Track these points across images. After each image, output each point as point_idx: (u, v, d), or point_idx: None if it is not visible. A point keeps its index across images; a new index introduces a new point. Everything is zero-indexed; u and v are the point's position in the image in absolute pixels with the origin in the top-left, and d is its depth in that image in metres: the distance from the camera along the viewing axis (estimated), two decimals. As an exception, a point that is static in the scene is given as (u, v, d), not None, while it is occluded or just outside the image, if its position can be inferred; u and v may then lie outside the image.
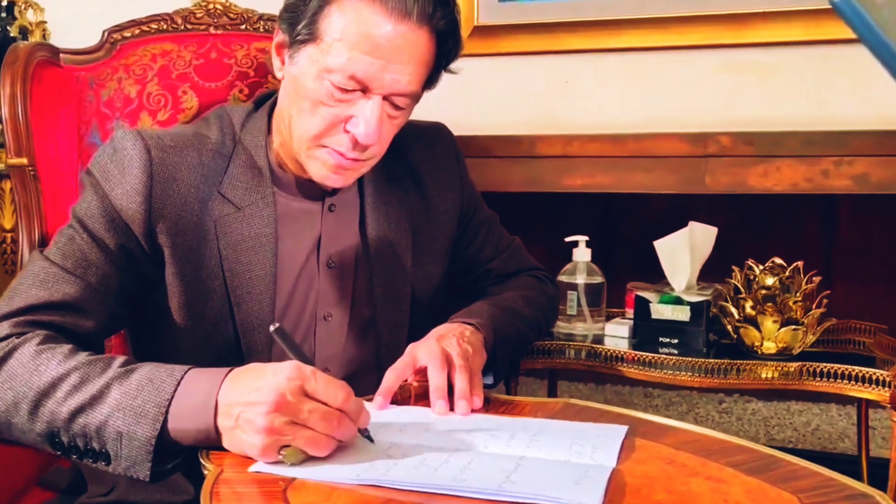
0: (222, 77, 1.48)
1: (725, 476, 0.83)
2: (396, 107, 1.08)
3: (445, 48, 1.09)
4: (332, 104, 1.05)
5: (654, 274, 1.56)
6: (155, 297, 1.09)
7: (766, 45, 1.77)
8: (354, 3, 1.02)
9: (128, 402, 0.89)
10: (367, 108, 1.05)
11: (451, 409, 1.00)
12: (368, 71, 1.03)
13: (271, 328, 0.91)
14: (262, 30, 1.58)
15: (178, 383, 0.90)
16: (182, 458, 0.92)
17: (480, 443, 0.89)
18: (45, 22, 2.17)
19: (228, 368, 0.91)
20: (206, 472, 0.84)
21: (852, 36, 1.83)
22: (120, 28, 1.55)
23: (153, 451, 0.87)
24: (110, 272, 1.05)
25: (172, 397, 0.89)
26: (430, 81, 1.11)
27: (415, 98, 1.10)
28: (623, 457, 0.87)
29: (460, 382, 1.01)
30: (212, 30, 1.56)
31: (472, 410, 1.01)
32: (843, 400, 1.90)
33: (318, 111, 1.06)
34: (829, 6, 1.82)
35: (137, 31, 1.55)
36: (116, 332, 1.17)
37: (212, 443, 0.89)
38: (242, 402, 0.86)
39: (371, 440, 0.89)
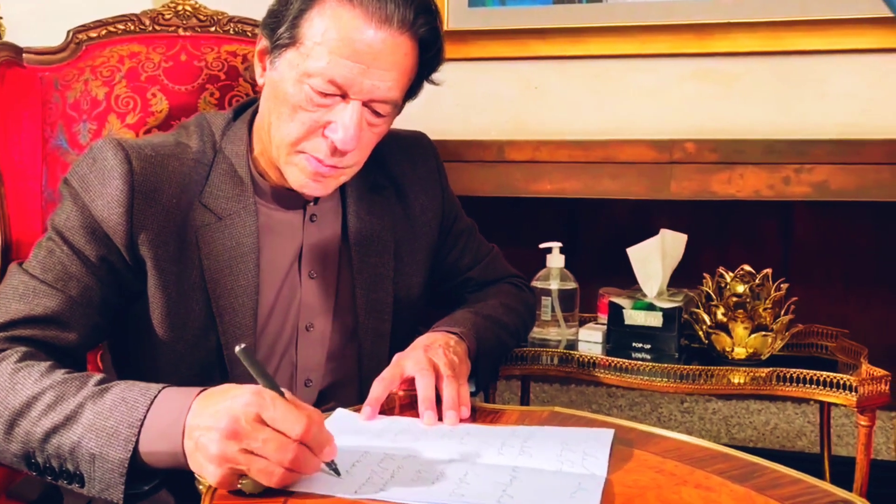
0: (192, 80, 1.46)
1: (713, 484, 0.85)
2: (377, 114, 1.07)
3: (427, 56, 1.09)
4: (311, 109, 1.05)
5: (618, 276, 1.59)
6: (137, 309, 1.08)
7: (730, 54, 1.81)
8: (336, 7, 1.02)
9: (100, 422, 0.88)
10: (346, 114, 1.04)
11: (440, 419, 1.01)
12: (348, 75, 1.02)
13: (237, 349, 0.85)
14: (232, 32, 1.56)
15: (151, 403, 0.88)
16: (159, 481, 0.91)
17: (473, 453, 0.90)
18: (0, 17, 2.11)
19: (201, 388, 0.89)
20: (200, 487, 0.83)
21: (813, 48, 1.88)
22: (85, 28, 1.52)
23: (126, 473, 0.86)
24: (91, 284, 1.04)
25: (145, 417, 0.87)
26: (411, 91, 1.11)
27: (395, 106, 1.10)
28: (613, 466, 0.89)
29: (448, 392, 1.02)
30: (181, 31, 1.54)
31: (460, 420, 1.01)
32: (799, 399, 1.95)
33: (298, 116, 1.05)
34: (790, 19, 1.86)
35: (104, 32, 1.53)
36: (99, 343, 1.15)
37: (182, 467, 0.86)
38: (202, 426, 0.83)
39: (337, 474, 0.84)
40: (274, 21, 1.06)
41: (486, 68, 1.93)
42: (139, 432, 0.86)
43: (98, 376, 0.94)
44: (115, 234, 1.04)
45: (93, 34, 1.52)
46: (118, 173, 1.04)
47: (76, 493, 1.13)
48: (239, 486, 0.81)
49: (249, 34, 1.56)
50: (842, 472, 1.51)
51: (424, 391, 1.02)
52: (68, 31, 1.50)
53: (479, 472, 0.85)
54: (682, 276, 1.57)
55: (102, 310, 1.06)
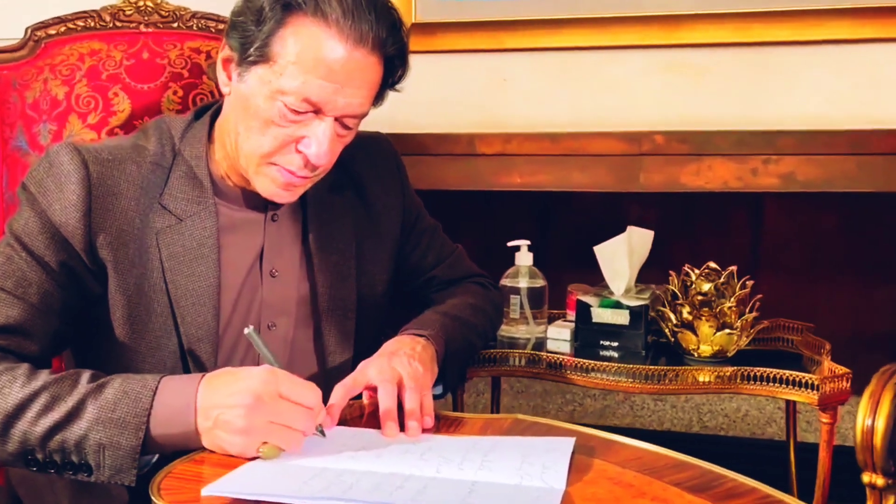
0: (155, 78, 1.44)
1: (670, 496, 0.86)
2: (346, 126, 1.10)
3: (392, 70, 1.11)
4: (283, 125, 1.06)
5: (588, 268, 1.58)
6: (97, 312, 1.09)
7: (699, 46, 1.80)
8: (310, 27, 1.03)
9: (106, 415, 0.94)
10: (320, 130, 1.06)
11: (402, 429, 1.01)
12: (322, 94, 1.04)
13: (245, 331, 1.02)
14: (195, 28, 1.54)
15: (154, 393, 0.95)
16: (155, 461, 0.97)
17: (433, 467, 0.90)
18: (-43, 14, 2.06)
19: (201, 374, 0.97)
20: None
21: (780, 38, 1.88)
22: (44, 25, 1.49)
23: (138, 458, 0.93)
24: (51, 290, 1.05)
25: (151, 406, 0.94)
26: (376, 100, 1.13)
27: (363, 117, 1.12)
28: (572, 478, 0.89)
29: (411, 403, 1.03)
30: (142, 28, 1.51)
31: (423, 430, 1.02)
32: (769, 386, 1.97)
33: (269, 131, 1.07)
34: (758, 10, 1.86)
35: (63, 29, 1.50)
36: (61, 351, 1.16)
37: (192, 444, 0.95)
38: (222, 405, 0.92)
39: (323, 434, 0.97)
40: (242, 34, 1.06)
41: (454, 61, 1.91)
42: (148, 420, 0.93)
43: (87, 373, 0.99)
44: (74, 239, 1.05)
45: (52, 31, 1.49)
46: (75, 178, 1.05)
47: (39, 498, 1.15)
48: (258, 453, 0.92)
49: (213, 30, 1.54)
50: (809, 460, 1.52)
51: (386, 402, 1.02)
52: (26, 29, 1.47)
53: (437, 487, 0.85)
54: (654, 267, 1.57)
55: (63, 316, 1.07)
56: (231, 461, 0.93)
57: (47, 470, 0.96)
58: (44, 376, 0.98)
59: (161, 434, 0.94)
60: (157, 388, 0.95)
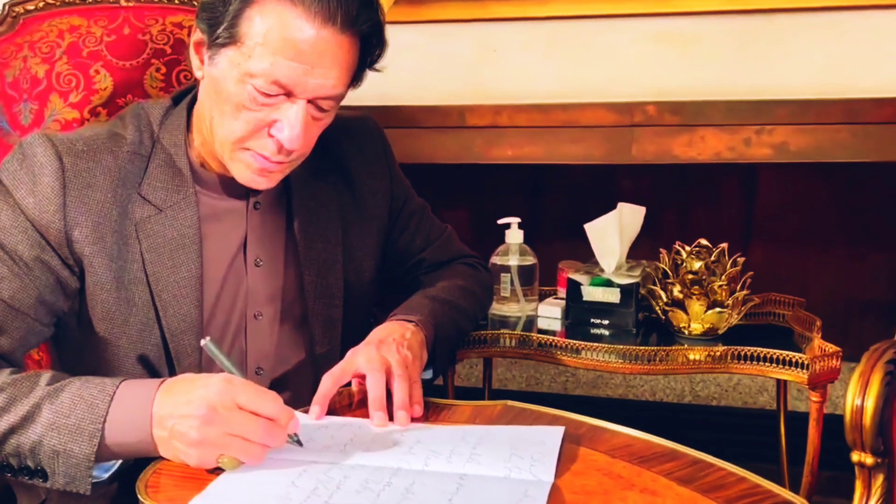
0: (137, 55, 1.41)
1: (659, 487, 0.86)
2: (321, 109, 1.06)
3: (369, 49, 1.07)
4: (255, 108, 1.03)
5: (579, 242, 1.57)
6: (77, 306, 1.07)
7: (691, 14, 1.77)
8: (276, 6, 0.99)
9: (61, 420, 0.90)
10: (292, 113, 1.03)
11: (391, 418, 1.00)
12: (292, 76, 1.00)
13: (202, 343, 0.97)
14: (177, 1, 1.50)
15: (112, 399, 0.91)
16: (119, 469, 0.94)
17: (421, 460, 0.90)
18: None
19: (161, 380, 0.93)
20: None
21: (773, 6, 1.85)
22: (22, 0, 1.45)
23: (92, 466, 0.90)
24: (24, 285, 1.03)
25: (107, 413, 0.90)
26: (354, 80, 1.09)
27: (340, 99, 1.08)
28: (561, 468, 0.89)
29: (400, 392, 1.02)
30: (123, 2, 1.48)
31: (413, 419, 1.01)
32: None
33: (241, 115, 1.04)
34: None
35: (41, 4, 1.46)
36: (36, 346, 1.14)
37: (149, 453, 0.91)
38: (177, 415, 0.89)
39: (300, 444, 0.93)
40: (211, 16, 1.03)
41: (442, 31, 1.87)
42: (103, 427, 0.90)
43: (47, 374, 0.96)
44: (49, 233, 1.03)
45: (30, 6, 1.45)
46: (49, 170, 1.03)
47: (31, 491, 1.15)
48: (218, 464, 0.88)
49: (196, 3, 1.50)
50: (799, 428, 1.53)
51: (375, 391, 1.01)
52: (4, 4, 1.44)
53: (425, 482, 0.85)
54: (646, 239, 1.56)
55: (38, 311, 1.05)
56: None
57: (4, 473, 0.94)
58: (3, 376, 0.95)
59: (117, 442, 0.90)
60: (114, 393, 0.91)
